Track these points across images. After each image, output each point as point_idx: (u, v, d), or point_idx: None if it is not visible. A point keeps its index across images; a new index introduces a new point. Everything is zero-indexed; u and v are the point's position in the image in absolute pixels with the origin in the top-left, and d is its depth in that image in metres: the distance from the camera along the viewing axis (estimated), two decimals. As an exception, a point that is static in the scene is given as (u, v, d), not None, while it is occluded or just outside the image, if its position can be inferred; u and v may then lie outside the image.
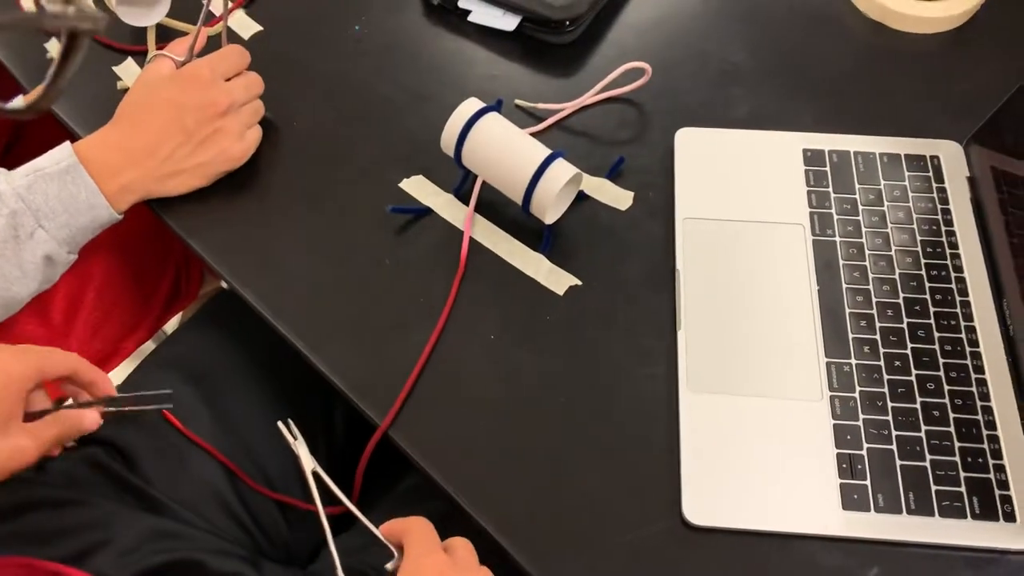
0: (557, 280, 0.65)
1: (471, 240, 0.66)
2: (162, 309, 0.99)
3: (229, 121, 0.68)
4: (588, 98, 0.73)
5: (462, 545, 0.54)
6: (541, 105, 0.73)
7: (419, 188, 0.69)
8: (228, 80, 0.69)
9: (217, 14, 0.79)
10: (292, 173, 0.71)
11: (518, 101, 0.73)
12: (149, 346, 0.96)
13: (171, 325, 1.01)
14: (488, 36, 0.77)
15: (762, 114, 0.73)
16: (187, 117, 0.66)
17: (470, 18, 0.77)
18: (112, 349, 0.94)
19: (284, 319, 0.64)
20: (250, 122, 0.69)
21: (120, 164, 0.66)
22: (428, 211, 0.68)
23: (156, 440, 0.69)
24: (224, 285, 0.89)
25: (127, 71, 0.77)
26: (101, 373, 0.64)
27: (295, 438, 0.55)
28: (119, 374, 0.83)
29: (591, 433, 0.59)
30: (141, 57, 0.77)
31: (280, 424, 0.55)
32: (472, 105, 0.64)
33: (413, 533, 0.53)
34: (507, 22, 0.76)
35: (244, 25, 0.79)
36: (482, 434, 0.59)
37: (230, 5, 0.79)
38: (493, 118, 0.64)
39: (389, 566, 0.54)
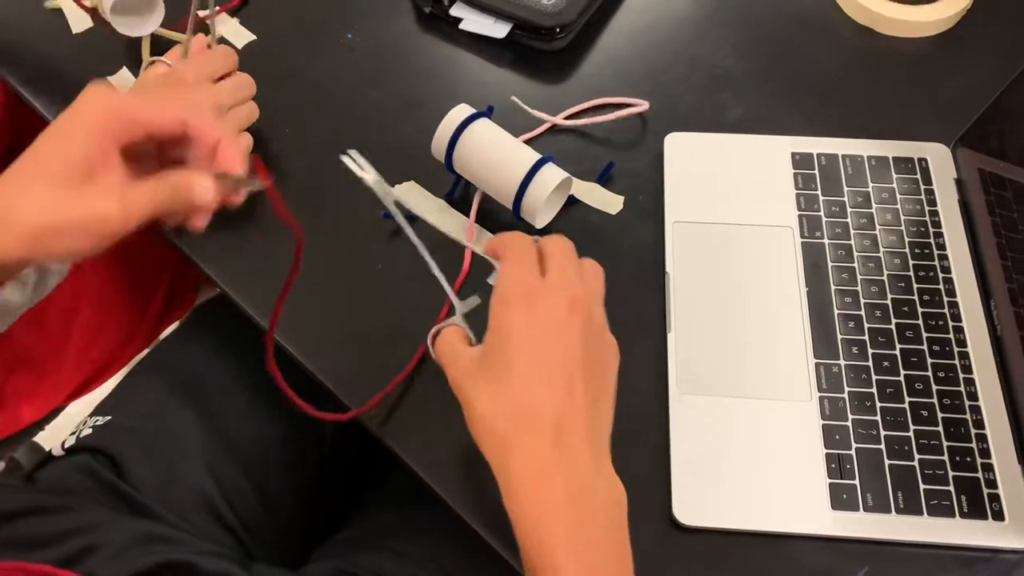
0: (548, 284, 0.65)
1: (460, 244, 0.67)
2: (157, 319, 0.99)
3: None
4: (584, 121, 0.73)
5: (558, 251, 0.50)
6: (536, 112, 0.73)
7: (411, 194, 0.70)
8: (217, 82, 0.67)
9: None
10: (284, 179, 0.72)
11: (514, 98, 0.73)
12: (142, 356, 0.96)
13: (165, 336, 1.02)
14: (480, 43, 0.78)
15: (751, 118, 0.73)
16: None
17: (462, 26, 0.78)
18: (108, 359, 0.94)
19: (279, 327, 0.65)
20: (241, 124, 0.67)
21: None
22: (419, 217, 0.69)
23: (146, 447, 0.70)
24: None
25: (122, 80, 0.77)
26: (227, 137, 0.50)
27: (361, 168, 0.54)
28: (114, 383, 0.84)
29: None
30: (137, 67, 0.78)
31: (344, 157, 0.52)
32: (462, 111, 0.65)
33: (507, 247, 0.51)
34: (498, 29, 0.77)
35: (238, 34, 0.80)
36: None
37: (216, 8, 0.79)
38: (483, 124, 0.65)
39: (491, 280, 0.52)
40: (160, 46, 0.78)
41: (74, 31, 0.80)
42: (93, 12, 0.77)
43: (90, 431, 0.70)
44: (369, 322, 0.65)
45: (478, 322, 0.52)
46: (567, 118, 0.73)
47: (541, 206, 0.63)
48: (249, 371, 0.75)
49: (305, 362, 0.63)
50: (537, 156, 0.64)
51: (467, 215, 0.68)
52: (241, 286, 0.67)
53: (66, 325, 0.87)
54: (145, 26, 0.74)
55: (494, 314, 0.49)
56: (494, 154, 0.64)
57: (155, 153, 0.51)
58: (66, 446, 0.69)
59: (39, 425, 0.91)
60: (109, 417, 0.72)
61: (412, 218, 0.69)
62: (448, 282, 0.55)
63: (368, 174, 0.53)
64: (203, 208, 0.48)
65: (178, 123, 0.48)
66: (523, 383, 0.46)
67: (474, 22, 0.77)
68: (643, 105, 0.73)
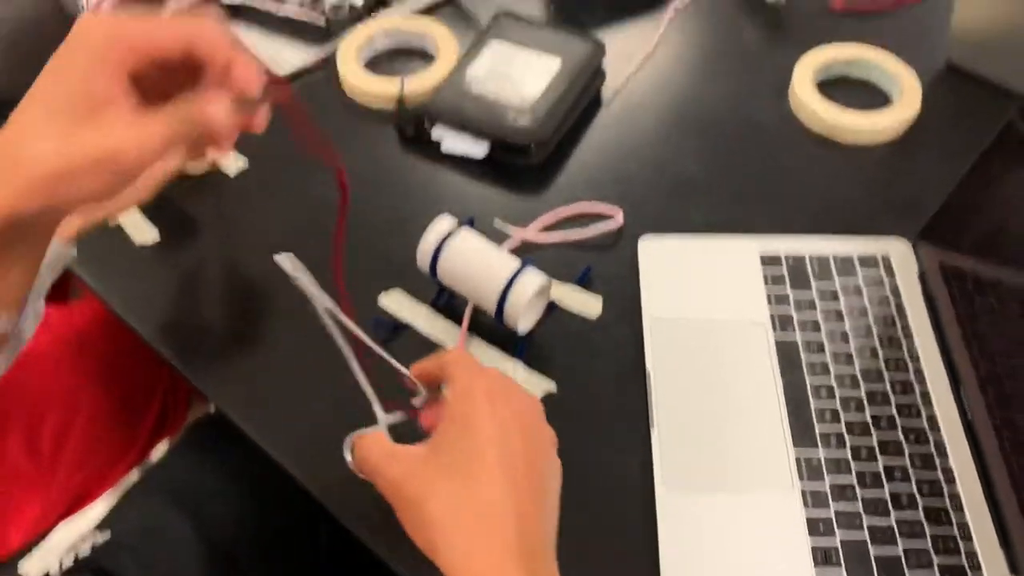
0: (534, 385, 0.67)
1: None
2: (149, 437, 0.99)
3: None
4: (561, 237, 0.77)
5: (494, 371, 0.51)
6: (514, 229, 0.76)
7: (397, 302, 0.72)
8: None
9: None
10: (273, 293, 0.74)
11: (498, 220, 0.77)
12: (134, 474, 0.96)
13: (156, 452, 1.02)
14: (460, 162, 0.82)
15: (719, 221, 0.77)
16: None
17: (443, 148, 0.82)
18: (99, 478, 0.94)
19: (270, 439, 0.66)
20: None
21: None
22: (406, 325, 0.71)
23: (146, 565, 0.69)
24: (211, 409, 0.90)
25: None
26: (240, 55, 0.44)
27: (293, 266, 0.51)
28: (104, 503, 0.84)
29: (569, 528, 0.60)
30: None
31: (277, 258, 0.49)
32: (445, 222, 0.68)
33: (454, 364, 0.50)
34: (477, 149, 0.81)
35: (230, 162, 0.84)
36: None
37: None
38: (465, 234, 0.68)
39: (416, 401, 0.51)
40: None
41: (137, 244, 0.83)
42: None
43: (89, 550, 0.70)
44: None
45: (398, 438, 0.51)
46: (546, 228, 0.77)
47: (522, 311, 0.65)
48: (247, 482, 0.76)
49: (304, 480, 0.64)
50: (517, 263, 0.67)
51: (454, 321, 0.71)
52: (234, 402, 0.68)
53: (59, 446, 0.87)
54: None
55: (456, 408, 0.48)
56: (476, 263, 0.67)
57: (164, 84, 0.45)
58: (64, 567, 0.68)
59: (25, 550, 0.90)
60: (108, 535, 0.72)
61: (401, 325, 0.71)
62: (375, 392, 0.54)
63: (302, 276, 0.52)
64: (222, 134, 0.44)
65: (184, 43, 0.43)
66: (491, 478, 0.45)
67: (454, 143, 0.82)
68: (617, 218, 0.77)
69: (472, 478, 0.45)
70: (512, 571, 0.44)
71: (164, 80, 0.45)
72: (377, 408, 0.54)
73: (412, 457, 0.47)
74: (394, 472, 0.47)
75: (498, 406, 0.48)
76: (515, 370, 0.68)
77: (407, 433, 0.53)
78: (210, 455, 0.79)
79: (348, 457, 0.50)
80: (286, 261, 0.51)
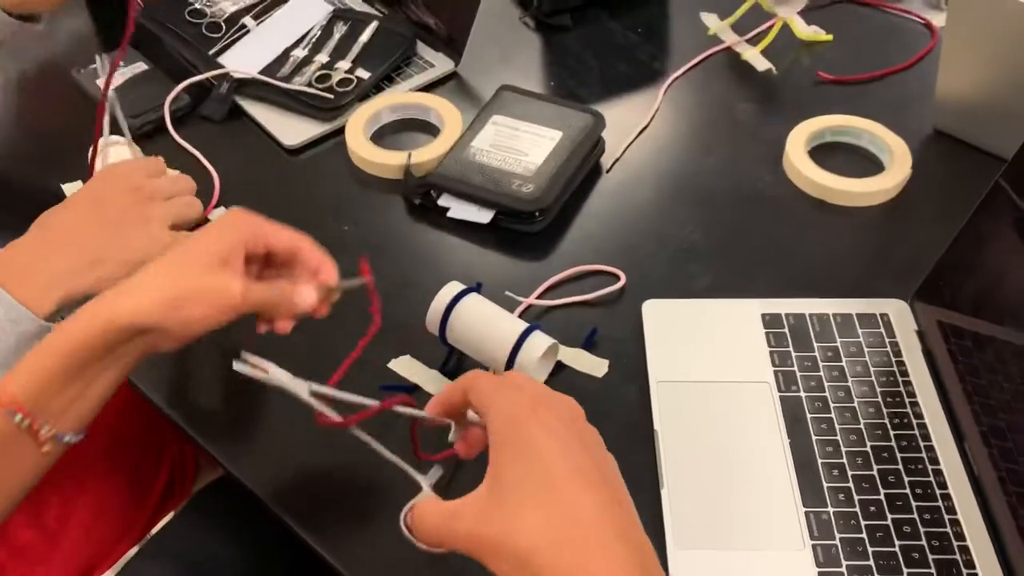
0: (541, 447, 0.68)
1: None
2: (155, 509, 0.99)
3: (155, 208, 0.68)
4: (566, 298, 0.78)
5: (523, 377, 0.50)
6: (523, 299, 0.78)
7: (407, 367, 0.73)
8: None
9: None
10: (284, 359, 0.75)
11: (508, 292, 0.78)
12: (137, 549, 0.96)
13: (168, 520, 1.01)
14: (466, 228, 0.84)
15: (720, 285, 0.79)
16: (108, 206, 0.66)
17: (449, 214, 0.84)
18: (105, 553, 0.94)
19: (283, 505, 0.66)
20: (183, 215, 0.69)
21: (34, 262, 0.63)
22: (416, 388, 0.72)
23: None
24: (219, 474, 0.90)
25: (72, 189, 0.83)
26: (328, 261, 0.61)
27: (256, 367, 0.51)
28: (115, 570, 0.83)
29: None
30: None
31: (236, 364, 0.51)
32: (454, 287, 0.70)
33: (475, 386, 0.48)
34: (482, 216, 0.83)
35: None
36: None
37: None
38: (473, 298, 0.70)
39: (451, 438, 0.48)
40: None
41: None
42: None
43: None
44: (374, 498, 0.66)
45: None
46: (550, 287, 0.79)
47: (531, 372, 0.67)
48: (253, 553, 0.75)
49: (318, 546, 0.64)
50: (524, 326, 0.68)
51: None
52: (245, 468, 0.69)
53: (65, 521, 0.87)
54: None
55: (505, 435, 0.45)
56: (484, 326, 0.68)
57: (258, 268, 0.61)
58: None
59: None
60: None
61: (410, 389, 0.72)
62: (407, 462, 0.53)
63: (273, 372, 0.52)
64: (300, 309, 0.59)
65: (293, 245, 0.60)
66: (573, 490, 0.43)
67: (460, 210, 0.84)
68: (621, 278, 0.78)
69: (553, 495, 0.42)
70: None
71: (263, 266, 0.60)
72: (415, 475, 0.51)
73: (476, 505, 0.44)
74: (465, 528, 0.44)
75: (544, 415, 0.46)
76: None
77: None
78: (216, 520, 0.79)
79: (410, 537, 0.47)
80: (245, 367, 0.52)
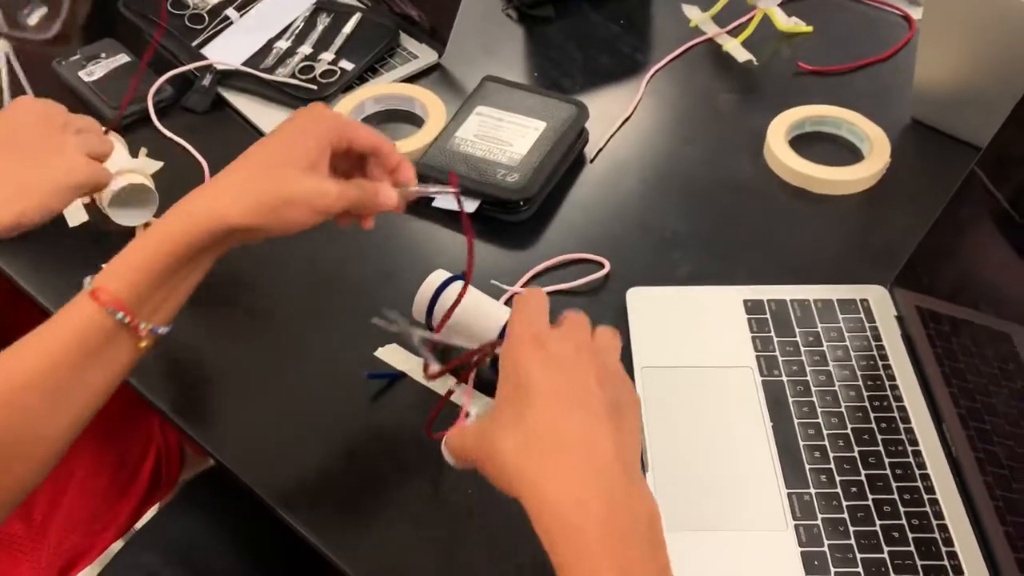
0: (528, 432, 0.68)
1: (447, 401, 0.70)
2: (141, 501, 0.99)
3: (69, 136, 0.68)
4: (551, 286, 0.79)
5: (571, 316, 0.54)
6: (508, 288, 0.79)
7: (394, 355, 0.74)
8: None
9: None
10: (272, 348, 0.76)
11: (493, 281, 0.79)
12: (123, 539, 0.95)
13: (148, 516, 1.01)
14: (451, 218, 0.85)
15: (703, 272, 0.80)
16: (20, 133, 0.67)
17: (434, 204, 0.85)
18: (90, 544, 0.93)
19: (271, 493, 0.66)
20: (96, 147, 0.69)
21: None
22: (403, 376, 0.72)
23: None
24: (209, 464, 0.90)
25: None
26: (405, 160, 0.62)
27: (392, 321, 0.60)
28: (96, 567, 0.83)
29: None
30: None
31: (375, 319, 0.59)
32: (439, 275, 0.71)
33: (519, 302, 0.53)
34: (468, 205, 0.84)
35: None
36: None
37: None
38: (460, 285, 0.70)
39: (500, 350, 0.52)
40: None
41: (71, 224, 0.86)
42: (90, 205, 0.83)
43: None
44: (360, 482, 0.67)
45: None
46: (535, 276, 0.79)
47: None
48: (243, 539, 0.76)
49: (305, 531, 0.65)
50: (509, 312, 0.69)
51: (448, 372, 0.72)
52: (232, 454, 0.69)
53: (51, 510, 0.87)
54: (141, 216, 0.80)
55: (504, 362, 0.51)
56: (471, 312, 0.69)
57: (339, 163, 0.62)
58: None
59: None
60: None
61: (396, 377, 0.73)
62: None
63: (401, 325, 0.62)
64: (383, 208, 0.61)
65: (373, 144, 0.61)
66: (546, 412, 0.48)
67: (445, 200, 0.84)
68: (605, 266, 0.79)
69: (530, 419, 0.48)
70: (592, 492, 0.46)
71: (340, 161, 0.61)
72: (466, 405, 0.60)
73: (479, 424, 0.51)
74: (470, 443, 0.51)
75: (547, 347, 0.51)
76: (511, 418, 0.69)
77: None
78: (205, 511, 0.79)
79: (450, 460, 0.53)
80: (381, 321, 0.62)
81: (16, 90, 0.94)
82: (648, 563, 0.46)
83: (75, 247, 0.84)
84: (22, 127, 0.67)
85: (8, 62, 0.77)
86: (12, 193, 0.65)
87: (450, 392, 0.68)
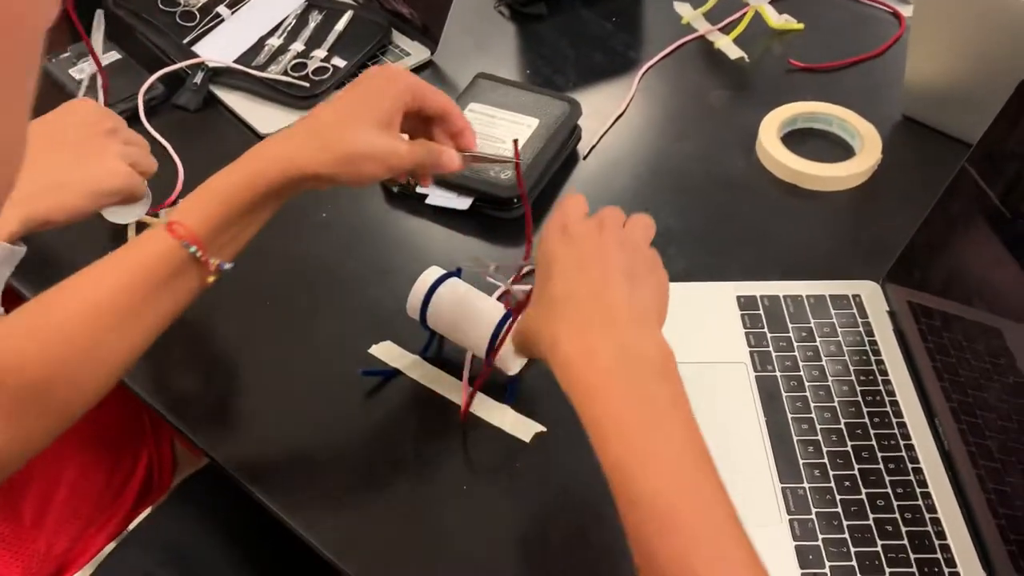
0: (524, 428, 0.69)
1: (442, 397, 0.70)
2: (133, 504, 0.98)
3: (114, 143, 0.69)
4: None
5: (607, 209, 0.58)
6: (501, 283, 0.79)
7: (388, 352, 0.74)
8: None
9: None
10: (265, 346, 0.76)
11: (489, 277, 0.78)
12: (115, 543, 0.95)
13: (140, 519, 1.01)
14: (445, 215, 0.85)
15: (696, 268, 0.80)
16: (68, 131, 0.67)
17: (428, 201, 0.85)
18: (82, 548, 0.93)
19: (264, 487, 0.66)
20: (140, 161, 0.70)
21: None
22: (397, 373, 0.72)
23: None
24: (204, 463, 0.90)
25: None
26: (469, 126, 0.65)
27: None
28: (88, 570, 0.83)
29: (565, 567, 0.61)
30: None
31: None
32: (434, 272, 0.71)
33: (559, 206, 0.58)
34: (461, 202, 0.84)
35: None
36: (461, 582, 0.61)
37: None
38: (454, 282, 0.70)
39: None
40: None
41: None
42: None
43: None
44: (354, 477, 0.67)
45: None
46: (529, 272, 0.79)
47: (512, 354, 0.67)
48: (239, 539, 0.75)
49: (301, 530, 0.65)
50: (505, 309, 0.69)
51: (443, 368, 0.72)
52: (226, 452, 0.69)
53: (41, 513, 0.86)
54: (133, 213, 0.80)
55: (538, 254, 0.56)
56: (465, 309, 0.69)
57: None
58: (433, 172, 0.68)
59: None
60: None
61: (391, 374, 0.73)
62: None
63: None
64: (446, 169, 0.64)
65: (443, 108, 0.64)
66: (560, 278, 0.53)
67: (439, 197, 0.85)
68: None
69: (548, 289, 0.53)
70: (600, 339, 0.50)
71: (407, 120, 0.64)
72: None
73: (525, 313, 0.57)
74: (520, 328, 0.57)
75: (571, 232, 0.56)
76: (504, 414, 0.69)
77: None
78: (199, 510, 0.78)
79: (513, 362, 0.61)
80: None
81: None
82: (658, 396, 0.49)
83: (65, 243, 0.84)
84: (72, 126, 0.68)
85: None
86: (47, 188, 0.66)
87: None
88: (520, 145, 0.86)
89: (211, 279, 0.59)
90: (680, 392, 0.50)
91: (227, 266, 0.60)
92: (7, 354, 0.54)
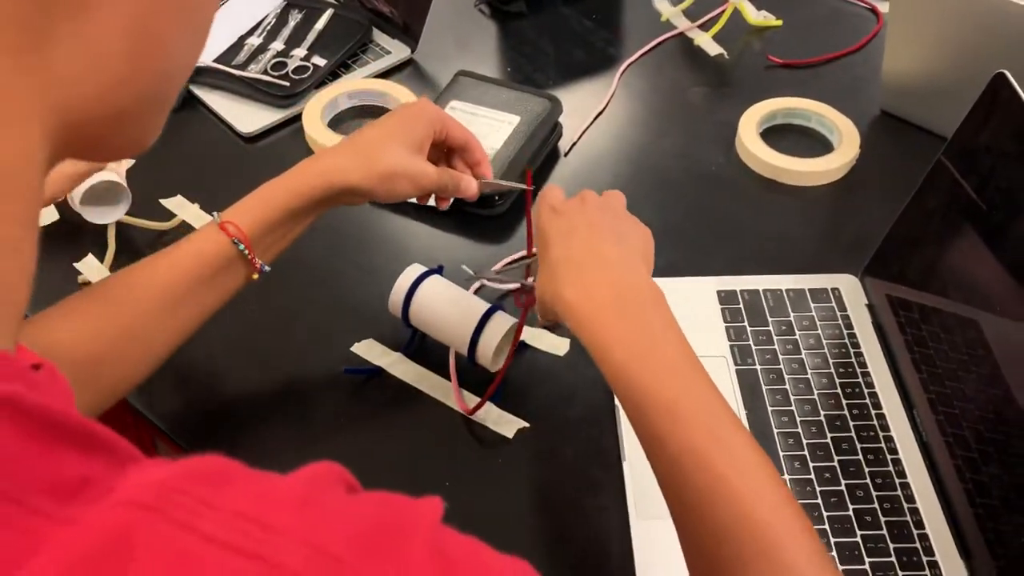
0: (506, 424, 0.69)
1: (425, 394, 0.71)
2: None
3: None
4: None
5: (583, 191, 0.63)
6: (488, 277, 0.79)
7: (370, 350, 0.74)
8: None
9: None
10: (247, 344, 0.75)
11: (464, 267, 0.79)
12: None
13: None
14: (426, 213, 0.85)
15: (676, 264, 0.80)
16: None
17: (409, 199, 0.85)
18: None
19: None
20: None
21: None
22: (380, 371, 0.72)
23: None
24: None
25: (88, 266, 0.82)
26: (487, 158, 0.72)
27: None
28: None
29: (548, 559, 0.61)
30: (102, 253, 0.82)
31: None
32: (416, 269, 0.71)
33: (539, 195, 0.63)
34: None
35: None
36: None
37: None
38: (435, 280, 0.70)
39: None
40: (126, 233, 0.83)
41: (41, 223, 0.85)
42: (62, 203, 0.82)
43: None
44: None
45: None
46: (507, 264, 0.80)
47: (492, 351, 0.68)
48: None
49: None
50: (487, 306, 0.69)
51: (425, 365, 0.72)
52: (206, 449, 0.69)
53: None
54: (113, 214, 0.79)
55: (536, 232, 0.62)
56: (447, 306, 0.69)
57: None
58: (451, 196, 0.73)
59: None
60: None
61: (374, 372, 0.73)
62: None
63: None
64: (464, 195, 0.71)
65: (465, 139, 0.71)
66: (558, 246, 0.59)
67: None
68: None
69: (549, 258, 0.59)
70: (597, 284, 0.56)
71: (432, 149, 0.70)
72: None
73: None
74: (536, 302, 0.62)
75: (558, 207, 0.62)
76: (487, 410, 0.70)
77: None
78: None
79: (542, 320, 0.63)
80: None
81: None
82: (653, 320, 0.55)
83: (47, 245, 0.83)
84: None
85: None
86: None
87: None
88: (501, 142, 0.86)
89: (255, 276, 0.64)
90: (671, 319, 0.56)
91: (267, 268, 0.65)
92: (64, 329, 0.57)
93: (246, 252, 0.62)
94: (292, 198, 0.64)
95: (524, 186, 0.73)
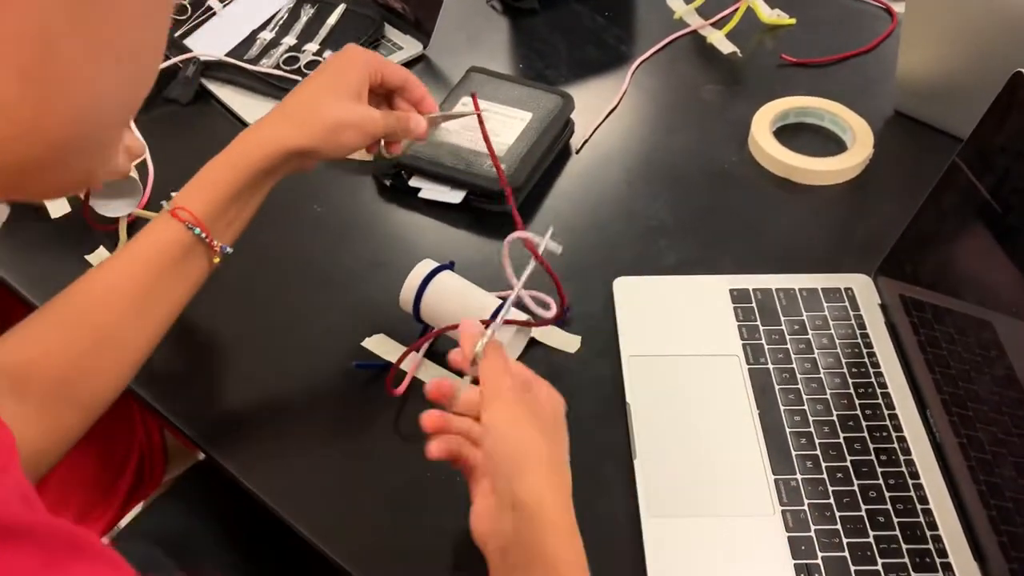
0: (516, 421, 0.68)
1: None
2: (125, 500, 0.98)
3: None
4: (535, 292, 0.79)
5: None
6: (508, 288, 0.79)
7: (381, 345, 0.74)
8: None
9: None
10: (258, 339, 0.75)
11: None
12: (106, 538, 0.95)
13: (132, 514, 1.00)
14: (437, 209, 0.85)
15: (689, 261, 0.80)
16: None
17: (420, 194, 0.85)
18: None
19: (258, 483, 0.66)
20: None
21: None
22: (390, 365, 0.72)
23: None
24: (201, 457, 0.90)
25: (100, 259, 0.82)
26: (428, 93, 0.71)
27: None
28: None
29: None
30: (113, 246, 0.82)
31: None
32: (427, 265, 0.71)
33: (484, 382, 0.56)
34: (454, 196, 0.84)
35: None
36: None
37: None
38: (447, 275, 0.70)
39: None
40: (138, 226, 0.83)
41: (53, 216, 0.85)
42: (73, 196, 0.82)
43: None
44: (348, 472, 0.67)
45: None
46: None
47: (505, 347, 0.67)
48: (237, 532, 0.75)
49: (298, 525, 0.64)
50: (498, 302, 0.69)
51: (435, 361, 0.72)
52: (221, 446, 0.69)
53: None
54: (125, 208, 0.79)
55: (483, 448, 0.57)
56: (458, 302, 0.69)
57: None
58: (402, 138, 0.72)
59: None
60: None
61: (384, 366, 0.73)
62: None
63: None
64: (414, 134, 0.69)
65: (402, 78, 0.69)
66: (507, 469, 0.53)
67: (432, 191, 0.84)
68: (591, 258, 0.79)
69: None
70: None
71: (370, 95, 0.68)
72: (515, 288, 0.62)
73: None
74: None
75: (489, 418, 0.56)
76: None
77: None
78: (193, 504, 0.78)
79: None
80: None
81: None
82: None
83: (58, 238, 0.84)
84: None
85: None
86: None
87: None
88: (513, 139, 0.86)
89: (216, 260, 0.62)
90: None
91: (229, 249, 0.63)
92: (32, 347, 0.56)
93: (203, 236, 0.60)
94: (236, 173, 0.62)
95: (472, 112, 0.74)
